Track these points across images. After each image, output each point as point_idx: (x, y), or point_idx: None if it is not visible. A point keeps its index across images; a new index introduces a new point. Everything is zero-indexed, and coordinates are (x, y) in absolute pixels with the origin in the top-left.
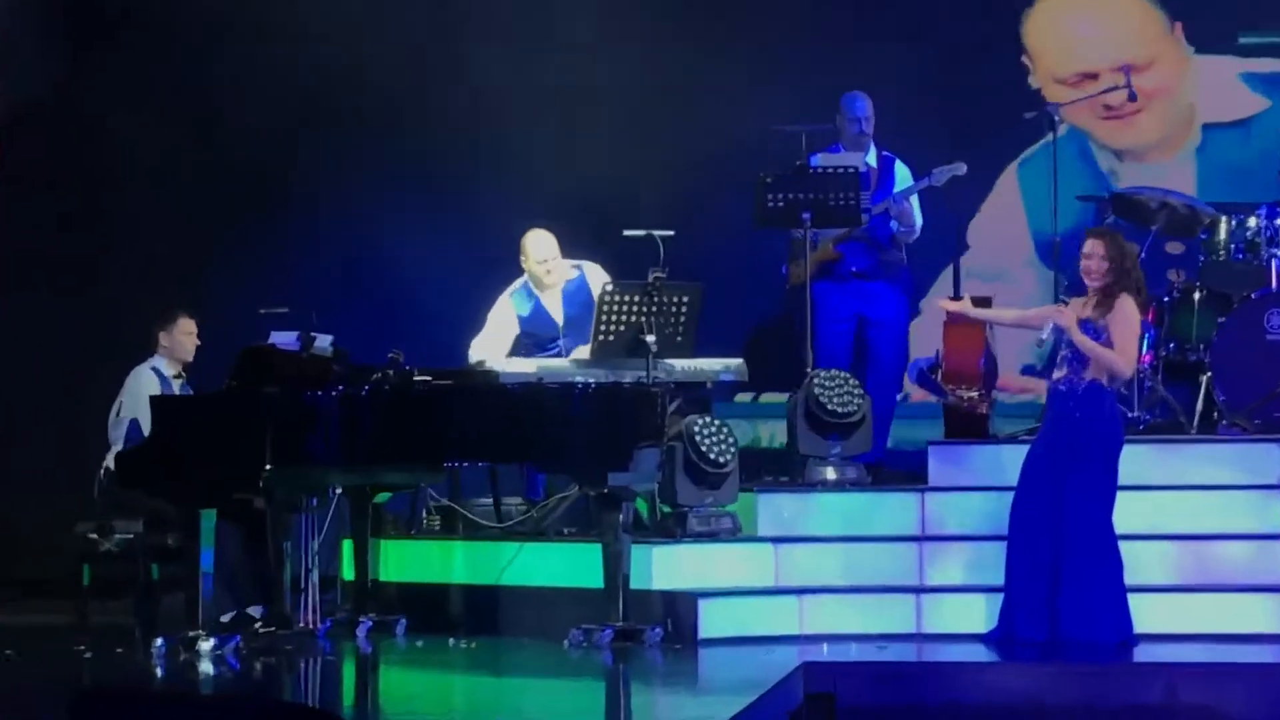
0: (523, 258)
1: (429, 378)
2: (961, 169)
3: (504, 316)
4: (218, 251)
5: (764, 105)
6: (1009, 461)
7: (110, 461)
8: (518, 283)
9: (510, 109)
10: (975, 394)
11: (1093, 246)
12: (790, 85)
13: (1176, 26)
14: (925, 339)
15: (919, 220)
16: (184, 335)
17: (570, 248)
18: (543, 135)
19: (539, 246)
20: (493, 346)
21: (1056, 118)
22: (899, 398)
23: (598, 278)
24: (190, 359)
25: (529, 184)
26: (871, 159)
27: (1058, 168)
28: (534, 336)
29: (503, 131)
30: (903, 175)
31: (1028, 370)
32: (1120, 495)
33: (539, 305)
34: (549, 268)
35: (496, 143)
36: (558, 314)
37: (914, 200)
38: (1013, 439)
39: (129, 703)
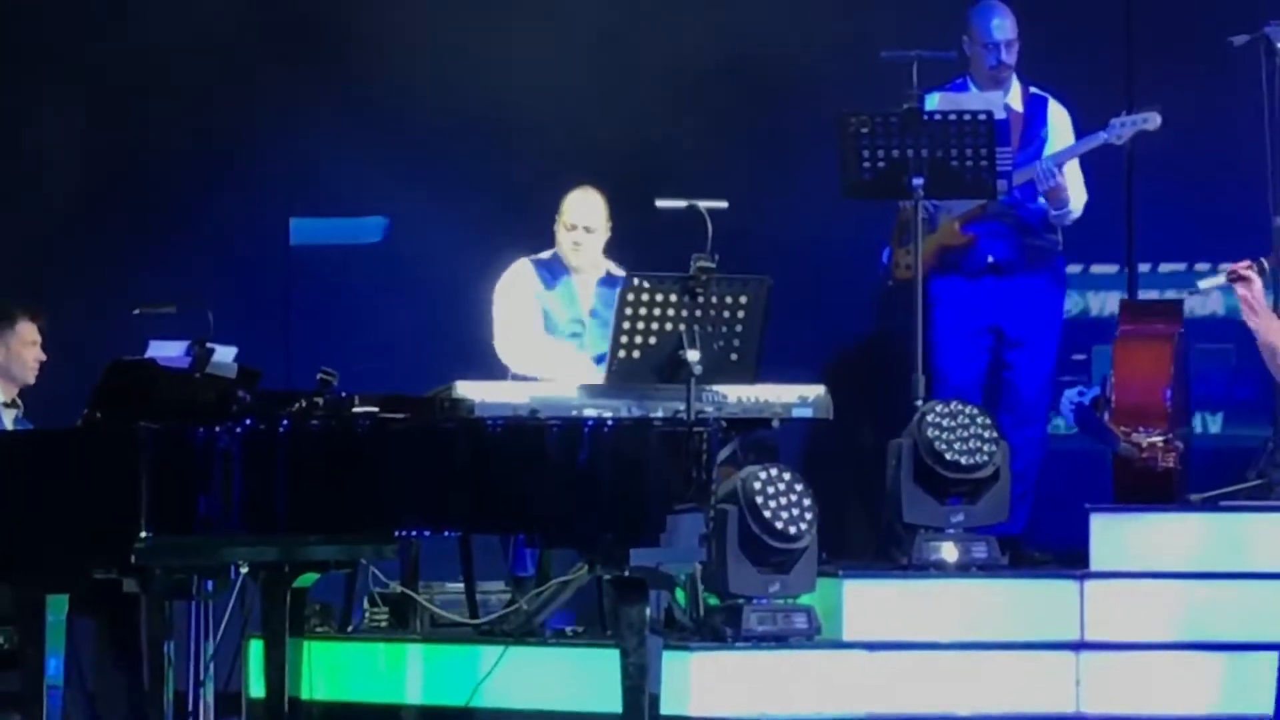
0: (557, 218)
1: (374, 409)
2: (1154, 121)
3: (520, 288)
4: (73, 227)
5: (858, 20)
6: (1209, 536)
7: None
8: (544, 253)
9: (485, 26)
10: (1159, 439)
11: None
12: None
13: None
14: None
15: (1080, 196)
16: (23, 346)
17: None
18: (534, 66)
19: (574, 206)
20: (527, 327)
21: (1278, 43)
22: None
23: None
24: (31, 380)
25: (518, 137)
26: (1015, 100)
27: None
28: (548, 326)
29: (467, 63)
30: (1060, 124)
31: None
32: None
33: (566, 286)
34: (577, 240)
35: (470, 76)
36: (585, 300)
37: (1074, 169)
38: (1213, 504)
39: None
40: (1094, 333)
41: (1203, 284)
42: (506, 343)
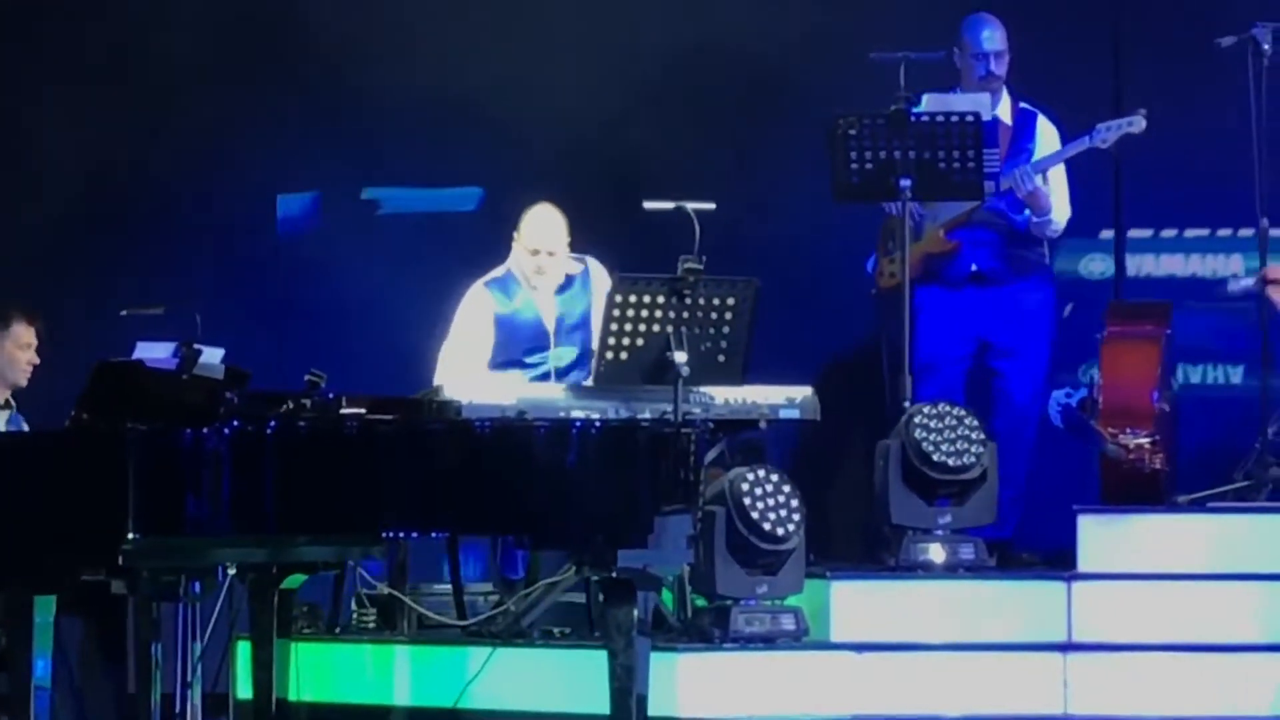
0: (515, 236)
1: (361, 410)
2: (1139, 124)
3: (477, 314)
4: (61, 228)
5: (847, 21)
6: (1196, 537)
7: None
8: (498, 270)
9: (476, 26)
10: (1146, 441)
11: None
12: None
13: None
14: (1072, 359)
15: (1063, 210)
16: (17, 348)
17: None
18: (522, 66)
19: (537, 229)
20: (471, 355)
21: (1265, 44)
22: None
23: (603, 281)
24: (23, 383)
25: (505, 137)
26: (1004, 113)
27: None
28: (511, 344)
29: (455, 61)
30: (1048, 139)
31: None
32: None
33: (522, 297)
34: (540, 265)
35: (449, 78)
36: (548, 316)
37: (1058, 176)
38: (1201, 505)
39: None
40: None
41: (1233, 286)
42: (445, 370)
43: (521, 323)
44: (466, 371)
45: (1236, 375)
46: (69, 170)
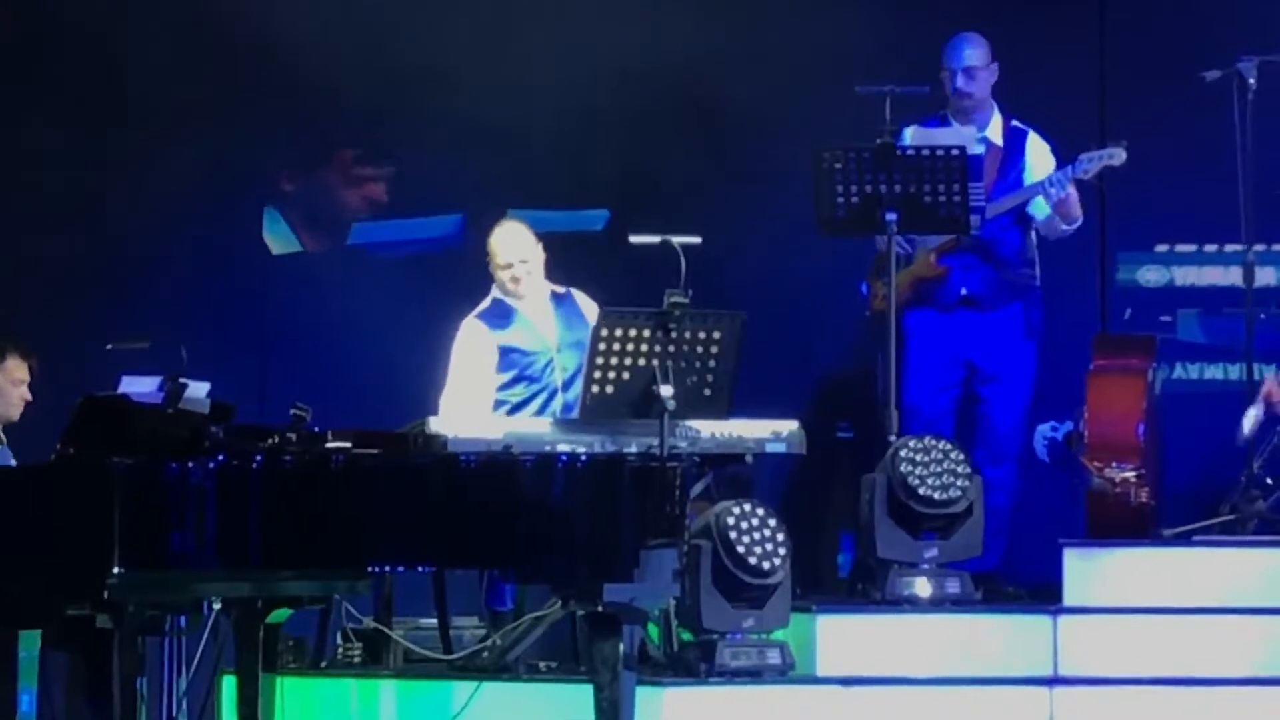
0: (489, 261)
1: (347, 444)
2: (1119, 156)
3: (475, 345)
4: (46, 262)
5: (832, 57)
6: (1182, 571)
7: None
8: (485, 302)
9: (455, 51)
10: (1132, 474)
11: None
12: (874, 28)
13: None
14: (1059, 394)
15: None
16: (10, 384)
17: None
18: (504, 96)
19: (503, 244)
20: (475, 393)
21: (1250, 78)
22: None
23: (589, 308)
24: (15, 417)
25: (506, 169)
26: (995, 133)
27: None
28: (518, 361)
29: (442, 89)
30: (1039, 157)
31: None
32: None
33: (520, 318)
34: (515, 274)
35: (433, 107)
36: (548, 328)
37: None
38: (1186, 539)
39: None
40: (1179, 299)
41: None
42: (449, 407)
43: (524, 345)
44: (473, 405)
45: (1269, 371)
46: (49, 202)
